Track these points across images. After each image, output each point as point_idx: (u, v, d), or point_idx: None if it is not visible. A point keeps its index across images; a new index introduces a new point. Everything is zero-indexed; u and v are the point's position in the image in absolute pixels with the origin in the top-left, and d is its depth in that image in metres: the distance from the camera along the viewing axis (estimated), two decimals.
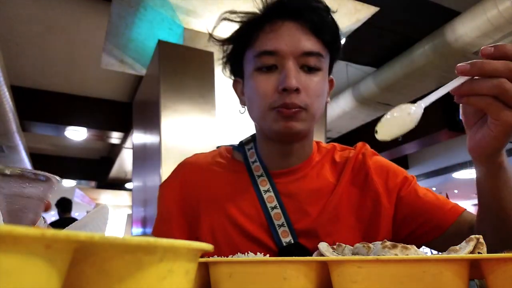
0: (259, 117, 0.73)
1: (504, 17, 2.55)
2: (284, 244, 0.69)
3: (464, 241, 0.46)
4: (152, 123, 2.68)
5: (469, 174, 5.55)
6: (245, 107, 0.79)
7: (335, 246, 0.52)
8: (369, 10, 2.65)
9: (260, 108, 0.72)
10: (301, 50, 0.69)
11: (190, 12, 2.50)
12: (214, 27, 0.78)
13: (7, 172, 0.44)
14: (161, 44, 2.58)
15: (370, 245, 0.49)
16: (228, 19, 0.75)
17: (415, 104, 0.53)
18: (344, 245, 0.52)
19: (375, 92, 3.71)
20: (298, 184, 0.77)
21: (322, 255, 0.48)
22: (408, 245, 0.47)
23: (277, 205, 0.73)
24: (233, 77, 0.83)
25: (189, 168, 0.83)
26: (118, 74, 3.77)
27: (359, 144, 0.85)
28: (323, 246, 0.50)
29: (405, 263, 0.36)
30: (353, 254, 0.50)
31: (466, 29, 2.77)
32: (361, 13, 2.65)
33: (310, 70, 0.70)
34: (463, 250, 0.44)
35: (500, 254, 0.39)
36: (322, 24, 0.71)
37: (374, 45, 3.41)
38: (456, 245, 0.44)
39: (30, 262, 0.17)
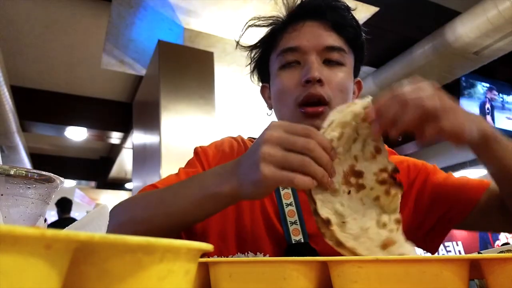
0: (286, 116, 0.74)
1: (504, 17, 2.55)
2: (293, 241, 0.69)
3: None
4: (152, 123, 2.67)
5: (469, 174, 5.55)
6: (272, 110, 0.81)
7: None
8: (369, 10, 2.65)
9: (286, 105, 0.73)
10: (323, 45, 0.71)
11: (190, 12, 2.50)
12: (241, 35, 0.80)
13: (12, 172, 0.44)
14: (161, 44, 2.58)
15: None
16: (254, 25, 0.77)
17: None
18: None
19: (375, 92, 3.71)
20: None
21: None
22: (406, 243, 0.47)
23: (293, 202, 0.73)
24: (260, 84, 0.86)
25: (225, 147, 0.82)
26: (118, 74, 3.77)
27: None
28: None
29: (405, 263, 0.36)
30: None
31: (466, 29, 2.76)
32: (361, 13, 2.65)
33: (332, 64, 0.72)
34: None
35: (500, 254, 0.39)
36: (343, 22, 0.73)
37: (374, 45, 3.40)
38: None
39: (30, 262, 0.17)
